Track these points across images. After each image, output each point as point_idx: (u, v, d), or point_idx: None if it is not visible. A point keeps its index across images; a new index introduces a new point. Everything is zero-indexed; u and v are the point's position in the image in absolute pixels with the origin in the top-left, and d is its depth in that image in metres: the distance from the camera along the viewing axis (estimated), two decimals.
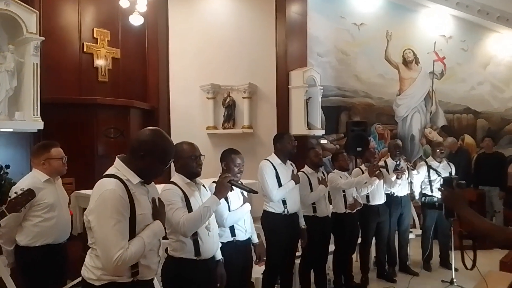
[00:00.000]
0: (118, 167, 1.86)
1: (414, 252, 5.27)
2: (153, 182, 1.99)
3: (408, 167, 4.81)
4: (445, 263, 5.00)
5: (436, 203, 4.38)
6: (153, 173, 1.90)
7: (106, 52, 6.06)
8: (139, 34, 6.35)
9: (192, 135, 6.14)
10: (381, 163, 4.90)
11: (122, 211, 1.72)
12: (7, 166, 4.06)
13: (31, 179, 2.74)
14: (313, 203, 3.85)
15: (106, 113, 5.57)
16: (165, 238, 2.09)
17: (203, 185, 2.58)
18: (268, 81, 6.55)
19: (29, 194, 2.23)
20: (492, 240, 1.78)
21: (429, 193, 4.88)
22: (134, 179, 1.83)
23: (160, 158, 1.88)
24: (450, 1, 7.97)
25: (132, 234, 1.76)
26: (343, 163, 4.31)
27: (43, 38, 4.47)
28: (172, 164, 2.11)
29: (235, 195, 2.84)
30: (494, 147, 7.14)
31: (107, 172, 1.85)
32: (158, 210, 1.90)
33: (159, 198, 1.96)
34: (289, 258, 3.68)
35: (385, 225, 4.67)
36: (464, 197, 1.98)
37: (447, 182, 2.32)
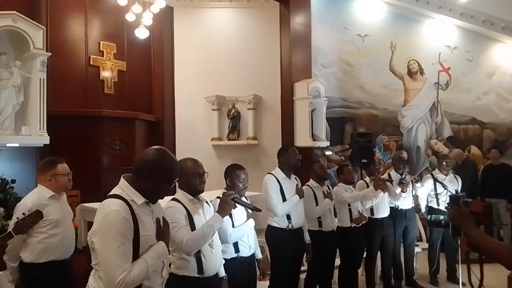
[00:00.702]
0: (123, 187, 1.85)
1: (421, 265, 5.20)
2: (158, 201, 1.99)
3: (412, 180, 4.78)
4: (452, 277, 4.93)
5: (443, 221, 4.32)
6: (158, 192, 1.89)
7: (112, 64, 6.13)
8: (145, 47, 6.42)
9: (197, 146, 6.19)
10: (385, 175, 4.87)
11: (126, 233, 1.72)
12: (13, 181, 4.08)
13: (36, 195, 2.74)
14: (319, 217, 3.84)
15: (112, 125, 5.62)
16: None
17: (206, 201, 2.57)
18: (273, 92, 6.58)
19: (37, 216, 2.22)
20: (499, 259, 1.74)
21: (435, 206, 4.83)
22: (139, 199, 1.83)
23: (165, 177, 1.87)
24: (455, 11, 7.97)
25: (136, 255, 1.75)
26: (348, 177, 4.29)
27: (50, 54, 4.51)
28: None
29: (239, 211, 2.83)
30: (501, 158, 7.07)
31: (112, 192, 1.85)
32: (162, 231, 1.89)
33: (163, 218, 1.95)
34: (294, 273, 3.64)
35: (389, 239, 4.62)
36: (471, 215, 1.95)
37: (453, 200, 2.27)
